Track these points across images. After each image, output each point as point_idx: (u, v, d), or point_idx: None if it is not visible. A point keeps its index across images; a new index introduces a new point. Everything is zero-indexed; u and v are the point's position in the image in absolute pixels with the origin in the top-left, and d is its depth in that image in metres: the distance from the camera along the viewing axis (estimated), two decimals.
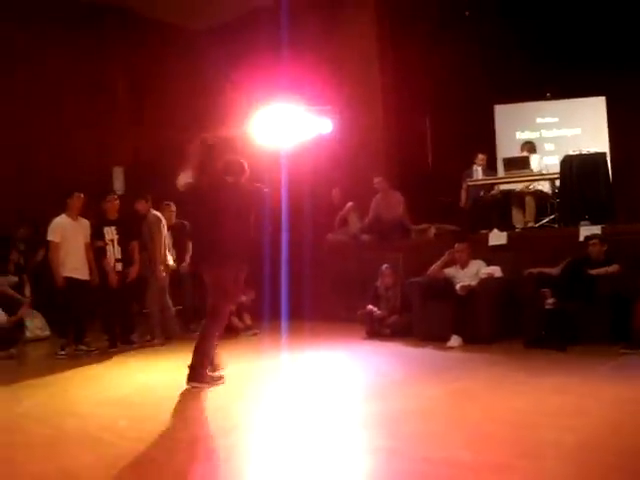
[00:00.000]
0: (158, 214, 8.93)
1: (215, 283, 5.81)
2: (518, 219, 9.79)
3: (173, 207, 9.52)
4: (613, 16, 10.56)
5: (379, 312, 8.49)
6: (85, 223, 8.29)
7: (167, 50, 12.94)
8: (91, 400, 5.58)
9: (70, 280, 7.98)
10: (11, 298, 9.51)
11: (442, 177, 11.52)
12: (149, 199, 9.01)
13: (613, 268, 7.18)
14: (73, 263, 8.05)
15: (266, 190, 6.07)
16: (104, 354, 7.95)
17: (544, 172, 10.10)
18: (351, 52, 11.84)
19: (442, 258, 8.18)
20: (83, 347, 8.05)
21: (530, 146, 10.57)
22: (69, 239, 8.08)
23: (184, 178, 6.03)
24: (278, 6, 10.76)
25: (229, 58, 12.03)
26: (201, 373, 5.68)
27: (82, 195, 8.25)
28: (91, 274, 8.21)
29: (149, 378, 6.51)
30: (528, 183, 10.07)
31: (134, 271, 8.48)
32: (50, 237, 8.04)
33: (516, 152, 10.71)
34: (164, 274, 8.74)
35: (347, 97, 11.62)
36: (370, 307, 8.54)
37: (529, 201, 9.81)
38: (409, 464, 3.53)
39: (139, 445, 4.13)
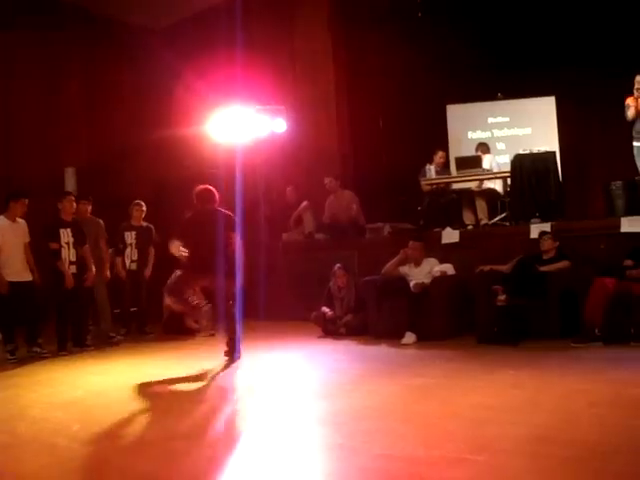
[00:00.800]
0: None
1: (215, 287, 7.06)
2: (470, 218, 9.91)
3: (144, 207, 9.43)
4: (562, 18, 10.76)
5: (331, 313, 8.51)
6: (23, 223, 8.04)
7: (121, 49, 12.78)
8: (43, 404, 5.48)
9: (14, 284, 7.76)
10: None
11: (396, 176, 11.60)
12: (91, 201, 8.96)
13: (563, 264, 7.33)
14: (15, 266, 7.82)
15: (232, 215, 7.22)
16: (55, 357, 7.82)
17: (495, 171, 10.24)
18: (305, 52, 11.86)
19: (396, 257, 8.24)
20: (37, 349, 7.89)
21: (484, 147, 10.71)
22: (8, 242, 7.83)
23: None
24: (232, 6, 10.70)
25: (183, 58, 11.93)
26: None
27: (27, 200, 8.01)
28: (33, 275, 8.01)
29: (101, 380, 6.41)
30: (480, 182, 10.19)
31: (91, 277, 8.34)
32: None
33: (468, 152, 10.85)
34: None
35: (301, 97, 11.65)
36: (323, 308, 8.56)
37: (479, 201, 9.93)
38: (367, 461, 3.55)
39: (92, 448, 4.08)
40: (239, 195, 10.41)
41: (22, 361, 7.65)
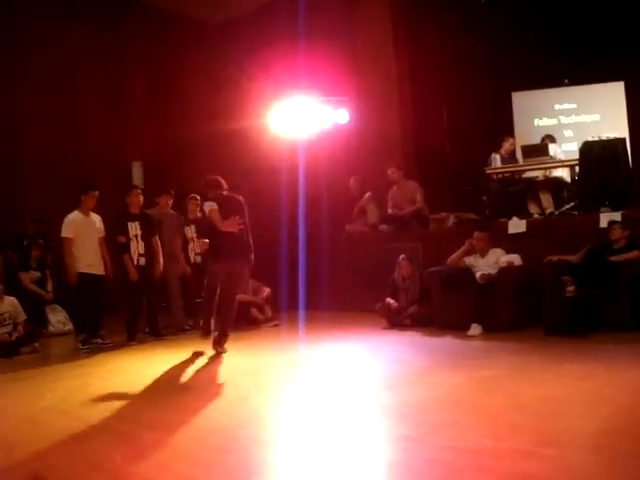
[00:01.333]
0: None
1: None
2: (535, 208, 9.72)
3: (199, 200, 9.55)
4: (631, 1, 10.44)
5: (396, 304, 8.48)
6: (98, 218, 8.29)
7: (184, 44, 12.97)
8: (113, 392, 5.63)
9: (86, 276, 8.00)
10: (34, 293, 9.65)
11: (460, 165, 11.47)
12: (172, 195, 9.11)
13: (633, 254, 7.14)
14: (88, 259, 8.05)
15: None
16: (124, 347, 8.03)
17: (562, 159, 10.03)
18: (367, 42, 11.80)
19: (462, 247, 8.16)
20: (98, 340, 8.12)
21: (550, 138, 10.48)
22: (83, 235, 8.08)
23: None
24: None
25: (246, 51, 12.04)
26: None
27: (97, 193, 8.23)
28: (106, 269, 8.24)
29: (172, 370, 6.54)
30: (547, 170, 10.00)
31: (159, 270, 8.52)
32: (64, 234, 8.03)
33: (535, 140, 10.64)
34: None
35: (363, 87, 11.60)
36: (388, 300, 8.53)
37: (545, 190, 9.73)
38: (433, 452, 3.54)
39: (162, 435, 4.19)
40: (302, 187, 10.50)
41: (93, 351, 7.87)
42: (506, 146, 10.28)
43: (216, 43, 12.65)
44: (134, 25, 12.66)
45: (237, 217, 6.99)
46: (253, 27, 12.63)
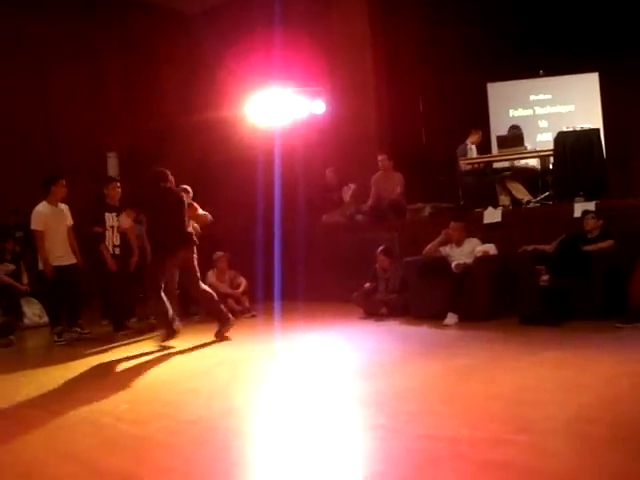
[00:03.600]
0: None
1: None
2: (506, 199, 9.79)
3: (190, 191, 9.46)
4: None
5: (370, 286, 8.54)
6: (65, 207, 8.18)
7: (161, 34, 12.88)
8: (89, 385, 5.61)
9: (58, 269, 7.90)
10: (8, 286, 9.55)
11: (436, 156, 11.52)
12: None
13: (607, 244, 7.22)
14: (57, 251, 7.95)
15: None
16: (104, 339, 7.98)
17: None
18: (343, 33, 11.78)
19: (438, 237, 8.20)
20: (77, 329, 8.07)
21: (518, 131, 10.48)
22: (52, 227, 7.97)
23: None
24: None
25: (222, 41, 11.98)
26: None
27: (64, 182, 8.12)
28: (76, 257, 8.15)
29: (149, 362, 6.52)
30: (517, 161, 10.09)
31: (134, 262, 8.50)
32: (34, 226, 7.91)
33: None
34: None
35: (339, 78, 11.61)
36: (367, 285, 8.58)
37: (516, 181, 9.82)
38: (410, 441, 3.57)
39: (139, 427, 4.18)
40: (278, 177, 10.49)
41: (70, 343, 7.82)
42: (474, 138, 10.36)
43: (193, 33, 12.58)
44: (110, 14, 12.52)
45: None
46: (230, 17, 12.57)
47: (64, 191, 8.11)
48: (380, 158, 10.41)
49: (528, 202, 9.55)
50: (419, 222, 9.70)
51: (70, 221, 8.18)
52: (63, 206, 8.19)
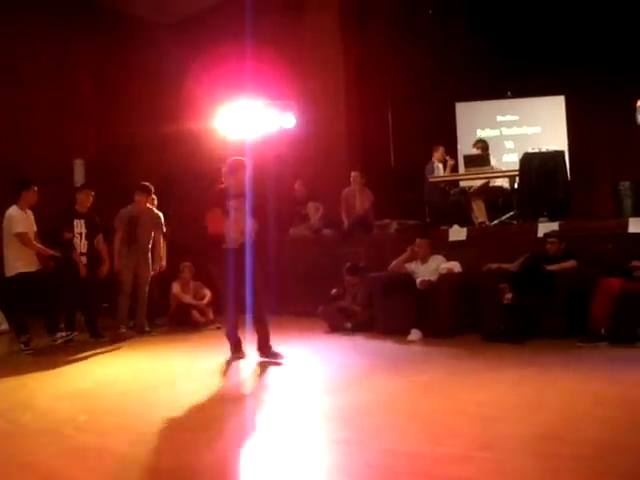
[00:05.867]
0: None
1: None
2: (474, 216, 9.91)
3: (155, 198, 9.45)
4: (573, 17, 10.76)
5: (337, 292, 8.56)
6: (31, 214, 8.08)
7: (131, 43, 12.80)
8: (50, 394, 5.53)
9: (28, 275, 7.80)
10: None
11: (404, 173, 11.60)
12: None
13: (570, 264, 7.32)
14: (27, 258, 7.86)
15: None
16: (68, 347, 7.88)
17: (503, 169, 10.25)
18: (315, 47, 11.85)
19: (404, 254, 8.25)
20: (61, 334, 7.99)
21: (483, 144, 10.62)
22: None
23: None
24: (242, 1, 10.71)
25: (192, 52, 11.96)
26: None
27: (36, 188, 8.06)
28: (41, 262, 8.03)
29: (110, 372, 6.46)
30: (487, 180, 10.20)
31: (104, 270, 8.48)
32: (18, 229, 7.80)
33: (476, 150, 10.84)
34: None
35: (310, 92, 11.66)
36: (334, 290, 8.60)
37: (479, 201, 9.93)
38: (372, 456, 3.57)
39: (99, 438, 4.12)
40: (248, 190, 10.43)
41: (38, 352, 7.70)
42: (437, 155, 10.48)
43: (164, 43, 12.53)
44: (81, 22, 12.44)
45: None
46: (201, 29, 12.57)
47: (34, 197, 8.04)
48: (353, 175, 10.48)
49: (481, 223, 9.66)
50: (385, 238, 9.75)
51: (35, 227, 8.09)
52: (30, 212, 8.11)
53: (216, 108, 11.02)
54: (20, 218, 7.87)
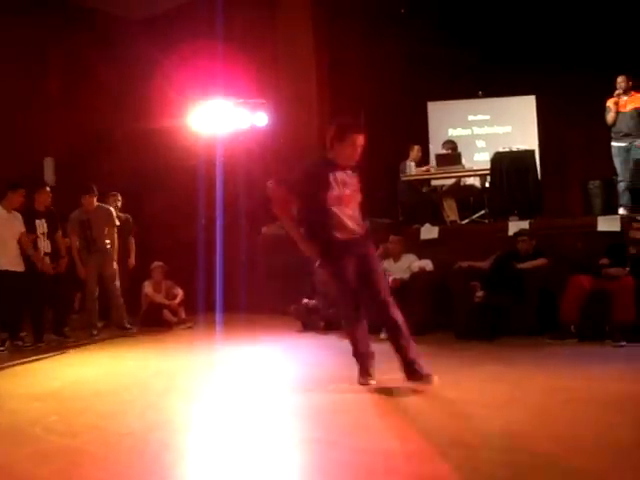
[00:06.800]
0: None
1: None
2: (445, 215, 9.97)
3: (120, 198, 9.41)
4: (544, 17, 10.84)
5: (313, 302, 8.52)
6: (18, 215, 8.04)
7: (102, 39, 12.64)
8: (21, 395, 5.45)
9: (11, 274, 7.74)
10: None
11: (376, 172, 11.60)
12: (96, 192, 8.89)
13: (540, 262, 7.40)
14: (10, 256, 7.80)
15: None
16: (38, 349, 7.78)
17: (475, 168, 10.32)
18: (287, 46, 11.82)
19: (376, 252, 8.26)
20: (19, 343, 7.88)
21: (452, 145, 10.69)
22: (6, 232, 7.82)
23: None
24: None
25: (164, 49, 11.87)
26: None
27: (24, 192, 8.06)
28: (38, 264, 8.02)
29: (80, 372, 6.39)
30: (458, 179, 10.26)
31: (63, 264, 8.39)
32: None
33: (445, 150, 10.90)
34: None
35: (282, 91, 11.62)
36: (304, 300, 8.56)
37: (450, 199, 9.98)
38: (344, 455, 3.57)
39: (70, 439, 4.08)
40: (219, 188, 10.43)
41: (11, 352, 7.61)
42: (412, 154, 10.51)
43: (135, 40, 12.41)
44: (51, 18, 12.26)
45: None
46: (173, 26, 12.48)
47: (20, 200, 8.04)
48: None
49: (453, 222, 9.72)
50: None
51: (22, 227, 8.00)
52: (16, 214, 8.03)
53: (188, 105, 10.96)
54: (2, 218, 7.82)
